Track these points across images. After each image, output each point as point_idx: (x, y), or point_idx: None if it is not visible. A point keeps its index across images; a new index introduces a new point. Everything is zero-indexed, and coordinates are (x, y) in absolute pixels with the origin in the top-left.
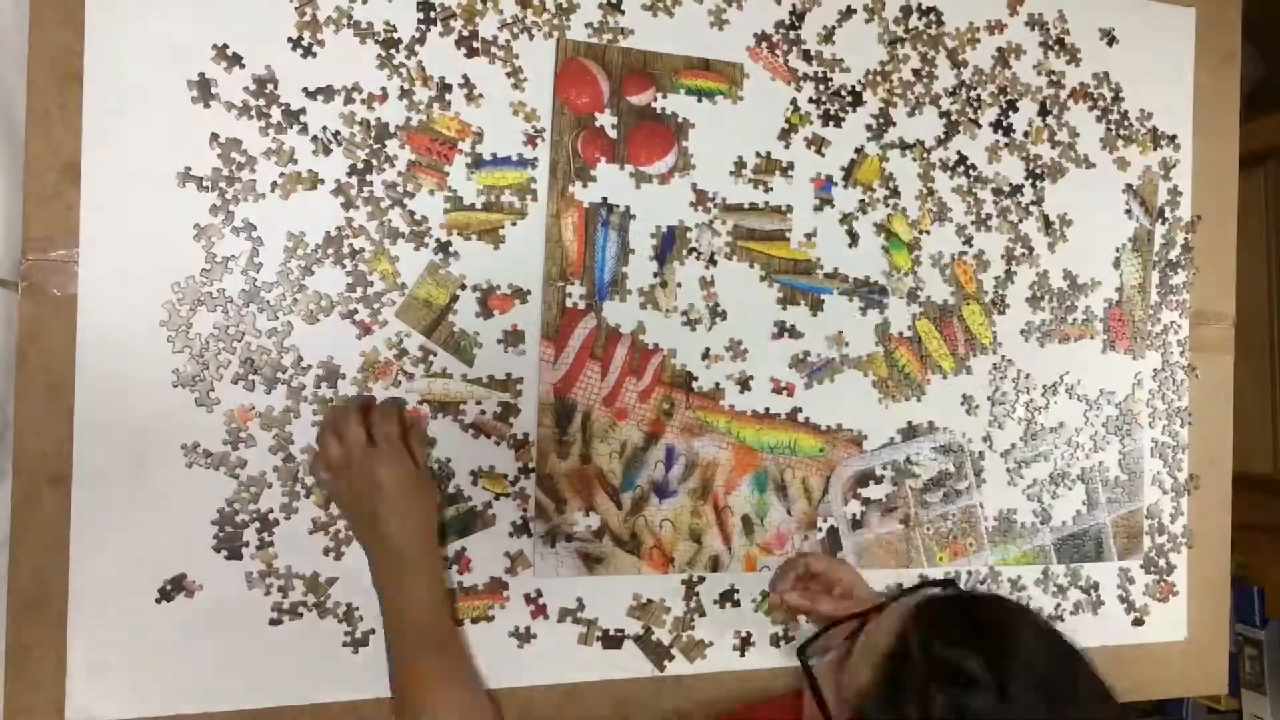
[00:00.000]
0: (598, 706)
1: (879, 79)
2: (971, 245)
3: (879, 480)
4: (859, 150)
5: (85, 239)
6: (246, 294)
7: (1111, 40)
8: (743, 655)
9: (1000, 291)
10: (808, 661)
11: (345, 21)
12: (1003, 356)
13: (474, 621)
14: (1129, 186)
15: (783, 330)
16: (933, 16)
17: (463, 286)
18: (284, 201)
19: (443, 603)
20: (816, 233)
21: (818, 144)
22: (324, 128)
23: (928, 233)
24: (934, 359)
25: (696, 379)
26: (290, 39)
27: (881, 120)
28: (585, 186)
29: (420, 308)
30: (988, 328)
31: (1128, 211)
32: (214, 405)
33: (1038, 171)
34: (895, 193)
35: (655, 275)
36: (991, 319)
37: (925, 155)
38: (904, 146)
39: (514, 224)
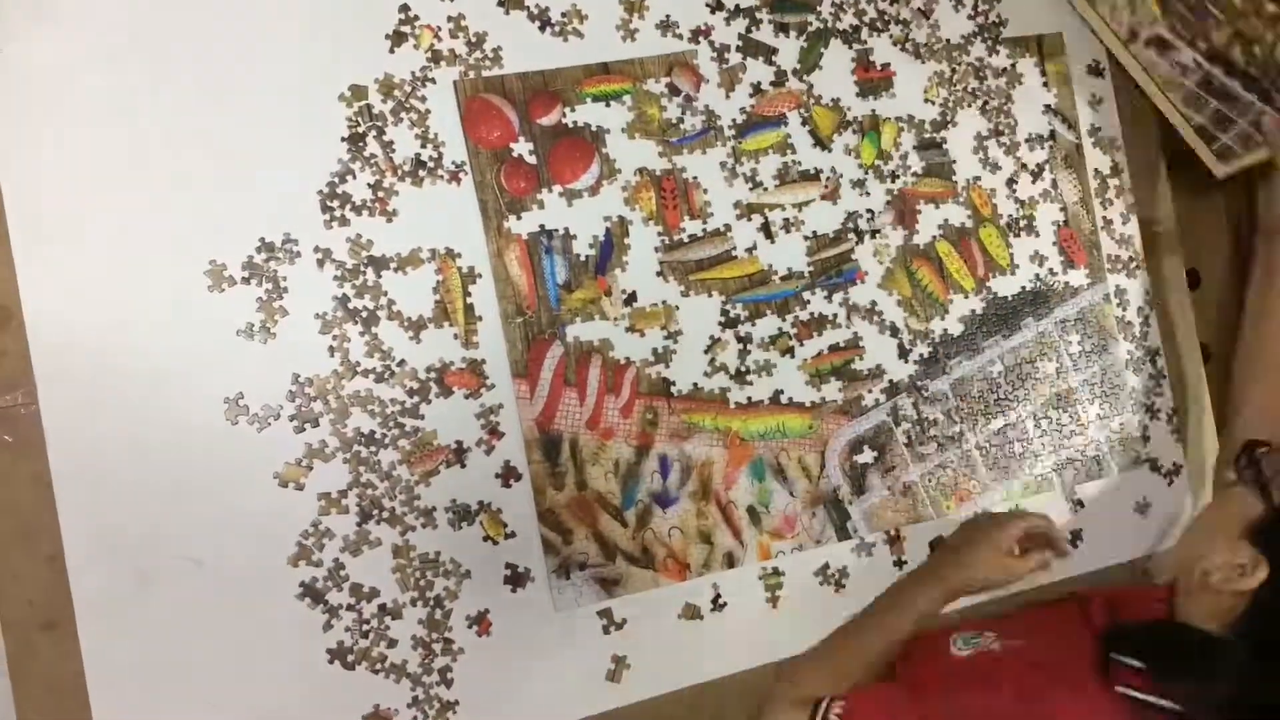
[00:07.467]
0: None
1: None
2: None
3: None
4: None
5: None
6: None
7: None
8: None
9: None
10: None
11: None
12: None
13: None
14: (1048, 107)
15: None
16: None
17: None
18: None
19: None
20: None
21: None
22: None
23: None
24: (955, 279)
25: (674, 384)
26: None
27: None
28: (520, 218)
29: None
30: (1004, 250)
31: (1052, 133)
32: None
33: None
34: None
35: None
36: (1008, 241)
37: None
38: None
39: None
